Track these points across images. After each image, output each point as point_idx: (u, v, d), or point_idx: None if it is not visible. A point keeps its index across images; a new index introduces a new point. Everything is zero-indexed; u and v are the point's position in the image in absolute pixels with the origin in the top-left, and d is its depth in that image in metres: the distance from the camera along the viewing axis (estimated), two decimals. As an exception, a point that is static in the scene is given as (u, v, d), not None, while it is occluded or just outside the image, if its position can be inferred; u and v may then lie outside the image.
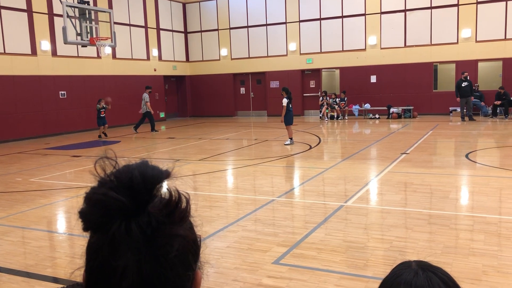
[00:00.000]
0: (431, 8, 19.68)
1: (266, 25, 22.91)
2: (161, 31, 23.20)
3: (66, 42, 14.20)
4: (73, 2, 15.25)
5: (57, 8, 16.84)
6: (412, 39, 20.10)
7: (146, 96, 17.46)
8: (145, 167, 0.72)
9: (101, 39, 15.24)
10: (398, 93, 20.55)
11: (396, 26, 20.31)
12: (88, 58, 19.01)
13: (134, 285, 0.67)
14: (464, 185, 7.72)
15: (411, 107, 19.70)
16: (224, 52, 24.10)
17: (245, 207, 6.57)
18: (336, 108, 20.43)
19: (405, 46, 20.30)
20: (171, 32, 23.93)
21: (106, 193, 0.69)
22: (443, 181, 7.62)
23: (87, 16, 14.90)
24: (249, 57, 23.55)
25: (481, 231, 5.03)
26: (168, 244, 0.69)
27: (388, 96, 20.65)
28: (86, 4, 14.85)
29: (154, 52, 22.70)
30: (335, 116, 20.34)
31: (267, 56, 23.09)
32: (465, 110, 17.66)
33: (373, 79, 21.00)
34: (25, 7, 16.66)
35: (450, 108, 19.57)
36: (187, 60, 25.07)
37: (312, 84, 22.64)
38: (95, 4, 18.60)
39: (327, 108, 20.39)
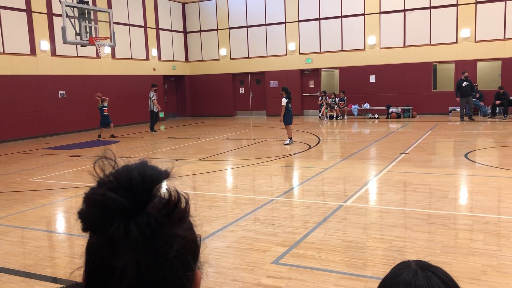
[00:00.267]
0: (430, 8, 19.69)
1: (266, 25, 22.91)
2: (160, 31, 23.19)
3: (65, 42, 14.19)
4: (72, 2, 15.24)
5: (56, 8, 16.83)
6: (411, 39, 20.11)
7: (152, 94, 17.51)
8: (144, 167, 0.72)
9: (101, 39, 15.23)
10: (397, 93, 20.55)
11: (395, 26, 20.31)
12: (88, 58, 19.00)
13: (133, 285, 0.67)
14: (463, 184, 7.72)
15: (410, 107, 19.70)
16: (223, 52, 24.10)
17: (244, 207, 6.57)
18: (335, 108, 20.44)
19: (404, 46, 20.31)
20: (171, 32, 23.92)
21: (105, 194, 0.69)
22: (442, 181, 7.62)
23: (87, 16, 14.90)
24: (248, 57, 23.55)
25: (480, 231, 5.04)
26: (168, 245, 0.69)
27: (387, 96, 20.66)
28: (86, 4, 14.85)
29: (154, 52, 22.69)
30: (335, 116, 20.35)
31: (267, 56, 23.09)
32: (464, 110, 17.67)
33: (373, 79, 21.01)
34: (24, 7, 16.65)
35: (449, 108, 19.58)
36: (187, 60, 25.07)
37: (311, 84, 22.65)
38: (94, 4, 18.59)
39: (326, 108, 20.39)
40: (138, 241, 0.67)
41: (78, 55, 18.57)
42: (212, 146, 13.21)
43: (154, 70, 22.64)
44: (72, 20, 14.69)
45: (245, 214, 6.13)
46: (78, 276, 0.76)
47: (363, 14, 20.84)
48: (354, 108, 20.95)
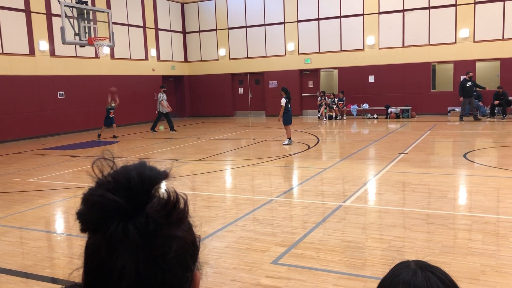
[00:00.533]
0: (429, 8, 19.71)
1: (265, 25, 22.91)
2: (159, 31, 23.18)
3: (64, 42, 14.17)
4: (71, 2, 15.22)
5: (55, 8, 16.81)
6: (410, 39, 20.12)
7: (160, 95, 17.65)
8: (143, 168, 0.72)
9: (99, 39, 15.21)
10: (396, 93, 20.56)
11: (394, 26, 20.32)
12: (86, 58, 18.99)
13: (132, 286, 0.67)
14: (462, 184, 7.73)
15: (409, 107, 19.71)
16: (222, 52, 24.09)
17: (243, 207, 6.57)
18: (334, 108, 20.45)
19: (403, 46, 20.32)
20: (170, 32, 23.91)
21: (103, 195, 0.68)
22: (441, 181, 7.63)
23: (85, 16, 14.88)
24: (247, 57, 23.55)
25: (479, 231, 5.04)
26: (166, 245, 0.69)
27: (386, 96, 20.66)
28: (84, 4, 14.83)
29: (153, 52, 22.68)
30: (334, 116, 20.36)
31: (266, 56, 23.09)
32: (465, 111, 17.69)
33: (371, 79, 21.02)
34: (23, 7, 16.64)
35: (448, 108, 19.59)
36: (186, 60, 25.06)
37: (310, 84, 22.65)
38: (93, 4, 18.57)
39: (325, 108, 20.40)
40: (137, 241, 0.67)
41: (77, 55, 18.56)
42: (211, 146, 13.21)
43: (153, 70, 22.63)
44: (71, 20, 14.68)
45: (244, 214, 6.13)
46: (77, 276, 0.76)
47: (362, 14, 20.85)
48: (353, 108, 20.96)
